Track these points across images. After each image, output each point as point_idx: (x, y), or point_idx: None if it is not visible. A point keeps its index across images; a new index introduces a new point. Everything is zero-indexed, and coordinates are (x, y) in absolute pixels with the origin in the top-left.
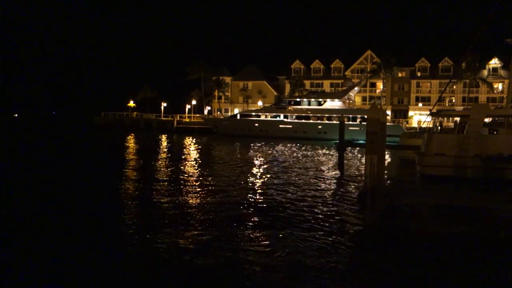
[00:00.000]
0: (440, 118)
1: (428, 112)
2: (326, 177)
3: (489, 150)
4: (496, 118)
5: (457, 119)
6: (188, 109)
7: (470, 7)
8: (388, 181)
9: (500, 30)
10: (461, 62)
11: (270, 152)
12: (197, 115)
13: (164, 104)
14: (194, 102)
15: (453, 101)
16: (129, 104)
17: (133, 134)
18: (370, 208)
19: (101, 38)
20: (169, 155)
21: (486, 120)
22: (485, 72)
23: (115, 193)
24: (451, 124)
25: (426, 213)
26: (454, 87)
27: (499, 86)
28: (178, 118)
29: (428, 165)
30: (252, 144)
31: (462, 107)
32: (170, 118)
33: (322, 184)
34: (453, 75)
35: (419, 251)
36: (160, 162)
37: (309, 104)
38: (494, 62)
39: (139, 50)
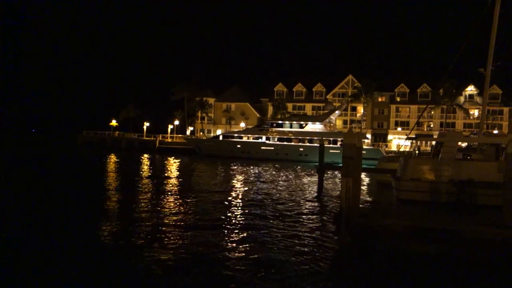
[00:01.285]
0: (418, 142)
1: (411, 136)
2: (305, 199)
3: (462, 176)
4: (472, 144)
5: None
6: (171, 129)
7: (448, 34)
8: (364, 203)
9: (476, 59)
10: (438, 89)
11: (251, 173)
12: (180, 135)
13: (146, 124)
14: (177, 122)
15: (431, 126)
16: (111, 123)
17: (114, 154)
18: (345, 229)
19: (85, 57)
20: (150, 174)
21: (463, 145)
22: (462, 99)
23: (92, 213)
24: (429, 148)
25: (399, 234)
26: (432, 112)
27: (475, 112)
28: (160, 138)
29: (404, 190)
30: (233, 165)
31: (439, 132)
32: (152, 138)
33: (301, 205)
34: (430, 101)
35: (392, 269)
36: (140, 181)
37: (291, 127)
38: (470, 89)
39: (123, 70)
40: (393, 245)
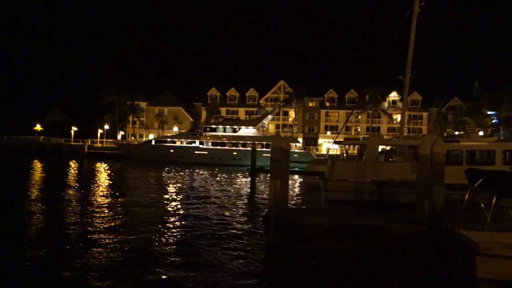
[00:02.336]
0: (346, 146)
1: (338, 140)
2: (237, 201)
3: (383, 176)
4: (395, 147)
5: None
6: (101, 133)
7: (374, 42)
8: (293, 204)
9: (397, 67)
10: (364, 95)
11: (184, 177)
12: (110, 140)
13: (74, 128)
14: (107, 126)
15: (359, 130)
16: (35, 128)
17: (39, 160)
18: (273, 228)
19: (4, 58)
20: (78, 181)
21: (387, 148)
22: (386, 104)
23: (11, 223)
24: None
25: (323, 232)
26: (359, 117)
27: (398, 117)
28: (89, 143)
29: (331, 190)
30: (167, 170)
31: (363, 137)
32: (80, 143)
33: (233, 208)
34: (356, 106)
35: (317, 265)
36: (65, 188)
37: (224, 131)
38: (393, 95)
39: (48, 72)
40: (318, 242)
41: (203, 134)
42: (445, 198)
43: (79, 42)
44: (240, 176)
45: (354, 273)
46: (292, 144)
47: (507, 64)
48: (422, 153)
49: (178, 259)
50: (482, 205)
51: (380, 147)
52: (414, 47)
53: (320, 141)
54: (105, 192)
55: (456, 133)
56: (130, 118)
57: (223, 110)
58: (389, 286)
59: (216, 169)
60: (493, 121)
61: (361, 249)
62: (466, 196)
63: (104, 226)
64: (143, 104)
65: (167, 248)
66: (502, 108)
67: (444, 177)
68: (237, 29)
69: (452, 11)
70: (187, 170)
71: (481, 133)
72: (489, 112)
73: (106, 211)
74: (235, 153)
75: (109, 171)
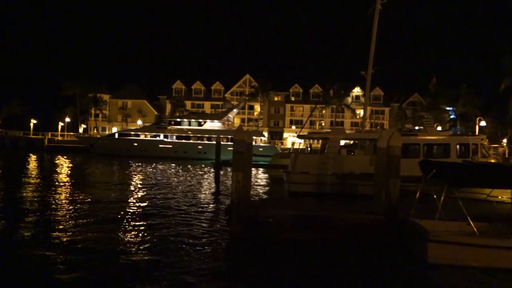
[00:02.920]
0: (310, 140)
1: (301, 134)
2: (202, 194)
3: (344, 169)
4: (357, 141)
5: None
6: (62, 126)
7: (337, 36)
8: (257, 197)
9: (362, 62)
10: (328, 90)
11: (148, 171)
12: (72, 133)
13: (34, 121)
14: (68, 119)
15: (323, 124)
16: None
17: None
18: (235, 220)
19: None
20: (37, 175)
21: (351, 142)
22: (350, 99)
23: None
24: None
25: (285, 223)
26: (324, 111)
27: (361, 112)
28: (49, 136)
29: (294, 183)
30: (130, 164)
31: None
32: (40, 136)
33: (198, 201)
34: (321, 101)
35: (278, 255)
36: (24, 182)
37: (189, 125)
38: (357, 91)
39: (4, 63)
40: (280, 233)
41: (168, 128)
42: (403, 189)
43: (39, 32)
44: (205, 170)
45: (315, 261)
46: (257, 138)
47: (464, 61)
48: (379, 147)
49: (142, 251)
50: (435, 196)
51: (344, 141)
52: (376, 44)
53: (285, 135)
54: (65, 187)
55: (417, 128)
56: (92, 111)
57: (188, 103)
58: (348, 272)
59: (178, 163)
60: (451, 116)
61: (321, 239)
62: (420, 187)
63: (64, 221)
64: (106, 97)
65: (130, 240)
66: (459, 104)
67: (399, 169)
68: (202, 22)
69: (412, 9)
70: (151, 164)
71: (439, 128)
72: (447, 108)
73: (66, 206)
74: (200, 147)
75: (70, 165)
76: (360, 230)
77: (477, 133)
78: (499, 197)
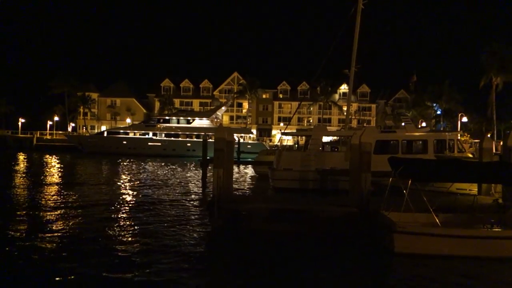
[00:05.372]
0: (298, 137)
1: (286, 131)
2: (188, 191)
3: (326, 165)
4: (342, 138)
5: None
6: (50, 125)
7: (324, 34)
8: (241, 192)
9: (348, 60)
10: (315, 87)
11: (137, 169)
12: (60, 132)
13: (22, 120)
14: (56, 118)
15: (311, 121)
16: None
17: None
18: (217, 214)
19: None
20: (26, 174)
21: (336, 138)
22: (337, 96)
23: None
24: None
25: (264, 216)
26: (311, 108)
27: (349, 109)
28: (38, 135)
29: (278, 179)
30: (119, 162)
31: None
32: (29, 135)
33: (184, 197)
34: (307, 98)
35: (257, 246)
36: (13, 180)
37: (178, 122)
38: (344, 88)
39: None
40: (258, 225)
41: (157, 126)
42: (378, 183)
43: (27, 30)
44: (192, 167)
45: (290, 251)
46: (245, 135)
47: (446, 58)
48: (352, 143)
49: (126, 245)
50: (405, 191)
51: (330, 138)
52: (359, 42)
53: (273, 132)
54: (54, 186)
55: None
56: (81, 110)
57: (177, 101)
58: (323, 261)
59: (167, 161)
60: (437, 112)
61: (297, 230)
62: (390, 182)
63: (52, 219)
64: (94, 95)
65: (118, 233)
66: (442, 100)
67: (371, 164)
68: (191, 20)
69: (395, 7)
70: (140, 162)
71: (424, 124)
72: (432, 104)
73: (54, 204)
74: (189, 145)
75: (59, 164)
76: (334, 222)
77: (459, 129)
78: (468, 190)
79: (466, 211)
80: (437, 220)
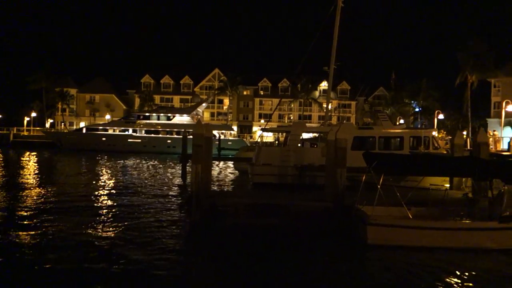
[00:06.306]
0: (278, 133)
1: (266, 128)
2: (167, 187)
3: (304, 161)
4: (322, 134)
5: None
6: (28, 121)
7: (305, 31)
8: (221, 188)
9: (329, 57)
10: (296, 84)
11: (117, 166)
12: (38, 128)
13: None
14: (34, 114)
15: (292, 118)
16: None
17: None
18: (195, 209)
19: None
20: (3, 171)
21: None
22: (317, 93)
23: None
24: None
25: (241, 210)
26: (292, 105)
27: (329, 105)
28: (15, 131)
29: (257, 174)
30: (98, 159)
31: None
32: (5, 131)
33: (163, 193)
34: (287, 95)
35: (235, 239)
36: None
37: (158, 119)
38: (324, 85)
39: None
40: (235, 219)
41: (137, 122)
42: (355, 179)
43: (3, 24)
44: (172, 164)
45: (267, 244)
46: (226, 132)
47: (425, 55)
48: (328, 139)
49: (104, 240)
50: (378, 185)
51: (310, 134)
52: (339, 39)
53: (254, 128)
54: (32, 183)
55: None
56: (59, 106)
57: (157, 97)
58: (299, 252)
59: (147, 157)
60: (416, 109)
61: (274, 224)
62: (365, 176)
63: (31, 216)
64: (73, 91)
65: (93, 230)
66: (420, 97)
67: (346, 160)
68: (171, 16)
69: (374, 5)
70: (119, 159)
71: (402, 121)
72: (411, 102)
73: (32, 202)
74: (169, 141)
75: (37, 161)
76: (311, 216)
77: (435, 126)
78: (440, 185)
79: (437, 204)
80: (409, 213)
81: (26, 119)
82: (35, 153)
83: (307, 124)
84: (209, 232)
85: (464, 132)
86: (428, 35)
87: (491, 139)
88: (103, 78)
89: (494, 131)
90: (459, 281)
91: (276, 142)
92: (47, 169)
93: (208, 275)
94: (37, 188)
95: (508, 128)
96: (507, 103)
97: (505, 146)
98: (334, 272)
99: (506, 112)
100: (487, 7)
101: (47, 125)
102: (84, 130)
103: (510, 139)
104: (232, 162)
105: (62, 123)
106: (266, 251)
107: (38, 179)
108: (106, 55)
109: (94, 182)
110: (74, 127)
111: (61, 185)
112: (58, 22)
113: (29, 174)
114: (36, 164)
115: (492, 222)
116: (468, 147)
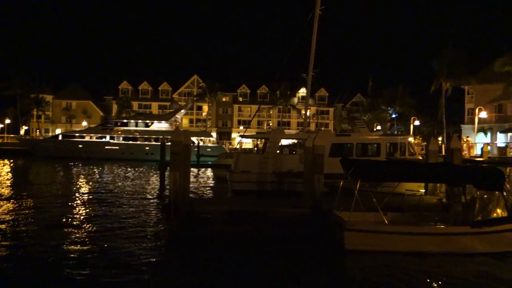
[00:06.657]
0: (258, 140)
1: (244, 134)
2: (145, 195)
3: (283, 167)
4: (300, 140)
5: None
6: (1, 128)
7: (283, 38)
8: (199, 195)
9: (307, 64)
10: (275, 91)
11: (94, 174)
12: (12, 135)
13: None
14: (8, 121)
15: (270, 124)
16: None
17: None
18: (173, 217)
19: None
20: None
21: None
22: (296, 100)
23: None
24: None
25: (219, 218)
26: (271, 112)
27: (307, 112)
28: None
29: (236, 181)
30: (74, 167)
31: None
32: None
33: (141, 201)
34: (264, 102)
35: (214, 247)
36: None
37: (136, 126)
38: (303, 91)
39: None
40: (213, 226)
41: (114, 129)
42: (332, 185)
43: None
44: (150, 171)
45: (245, 251)
46: (205, 138)
47: (401, 63)
48: (306, 146)
49: (80, 246)
50: (355, 191)
51: (289, 141)
52: (317, 47)
53: (233, 135)
54: (5, 192)
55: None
56: (35, 112)
57: (135, 104)
58: (277, 258)
59: (125, 165)
60: (392, 116)
61: (252, 231)
62: (341, 183)
63: (9, 221)
64: (48, 97)
65: (69, 238)
66: (396, 104)
67: (323, 166)
68: (149, 22)
69: (352, 13)
70: (96, 166)
71: (379, 127)
72: (387, 108)
73: (2, 212)
74: (147, 148)
75: (10, 169)
76: (288, 222)
77: (411, 132)
78: (416, 191)
79: (412, 210)
80: (385, 219)
81: (0, 126)
82: (8, 161)
83: (286, 131)
84: (188, 240)
85: (440, 138)
86: (404, 42)
87: (464, 145)
88: (80, 84)
89: (467, 137)
90: (436, 285)
91: (255, 148)
92: (21, 177)
93: (188, 284)
94: (10, 198)
95: (481, 134)
96: (480, 110)
97: (479, 152)
98: (312, 277)
99: (479, 119)
100: (463, 14)
101: (22, 132)
102: (60, 137)
103: (483, 145)
104: (211, 169)
105: (38, 130)
106: (245, 258)
107: (11, 188)
108: (83, 61)
109: (69, 191)
110: (50, 134)
111: (34, 194)
112: (33, 27)
113: (2, 183)
114: (10, 173)
115: (465, 227)
116: (443, 153)
